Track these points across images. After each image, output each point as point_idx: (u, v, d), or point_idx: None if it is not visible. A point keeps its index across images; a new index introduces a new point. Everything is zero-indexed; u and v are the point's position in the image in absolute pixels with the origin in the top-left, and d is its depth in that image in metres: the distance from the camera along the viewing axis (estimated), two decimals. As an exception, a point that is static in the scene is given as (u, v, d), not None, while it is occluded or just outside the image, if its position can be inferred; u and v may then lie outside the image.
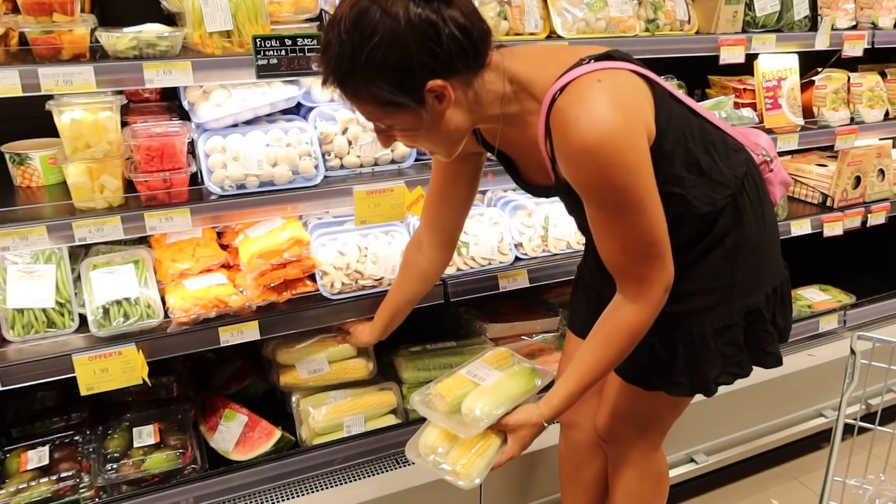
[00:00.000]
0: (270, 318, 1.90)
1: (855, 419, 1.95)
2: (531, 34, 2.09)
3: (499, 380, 1.49)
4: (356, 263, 2.00)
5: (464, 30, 1.17)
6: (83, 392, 1.71)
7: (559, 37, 2.10)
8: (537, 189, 1.54)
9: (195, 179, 1.88)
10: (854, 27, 2.56)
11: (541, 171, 1.44)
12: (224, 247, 2.12)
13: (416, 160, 2.10)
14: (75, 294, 1.83)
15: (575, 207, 1.44)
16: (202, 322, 1.85)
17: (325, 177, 1.98)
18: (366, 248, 2.03)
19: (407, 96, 1.19)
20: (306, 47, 1.77)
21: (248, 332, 1.88)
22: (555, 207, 2.24)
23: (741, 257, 1.50)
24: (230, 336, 1.86)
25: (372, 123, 1.32)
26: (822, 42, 2.43)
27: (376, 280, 2.01)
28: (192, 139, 1.90)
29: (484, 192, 2.38)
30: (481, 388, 1.47)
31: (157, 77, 1.69)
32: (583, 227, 1.53)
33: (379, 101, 1.20)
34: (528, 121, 1.33)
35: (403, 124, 1.25)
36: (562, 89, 1.24)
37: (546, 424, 1.42)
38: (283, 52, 1.76)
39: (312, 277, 2.00)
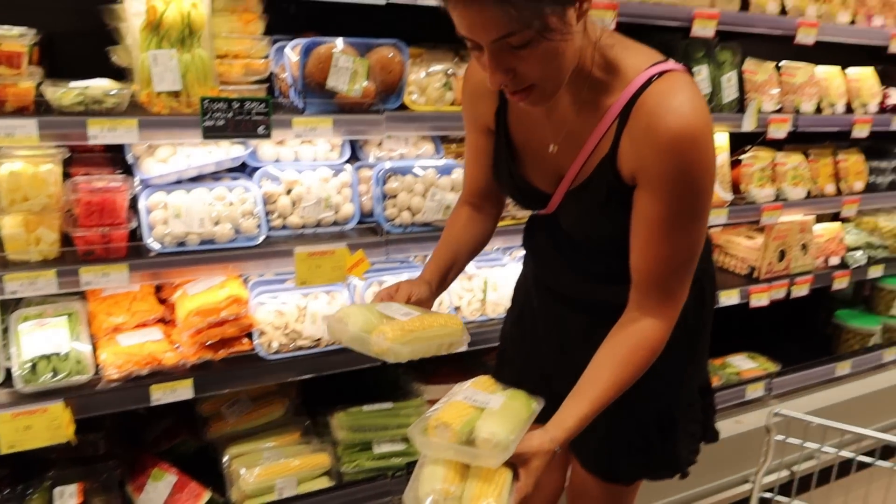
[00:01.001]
0: (205, 376, 1.88)
1: (772, 490, 2.02)
2: (475, 106, 2.17)
3: (504, 402, 1.27)
4: (295, 323, 2.01)
5: None
6: (4, 450, 1.66)
7: (502, 110, 2.18)
8: (528, 192, 1.43)
9: (135, 235, 1.88)
10: (779, 111, 2.74)
11: (549, 166, 1.36)
12: (162, 301, 2.10)
13: (359, 223, 2.14)
14: (3, 347, 1.79)
15: (589, 214, 1.34)
16: (134, 379, 1.82)
17: (268, 236, 1.99)
18: (305, 308, 2.04)
19: None
20: (253, 110, 1.81)
21: (181, 391, 1.86)
22: (494, 272, 2.30)
23: (704, 333, 1.53)
24: (162, 394, 1.83)
25: (491, 48, 1.11)
26: (749, 124, 2.59)
27: (314, 340, 2.02)
28: (135, 194, 1.91)
29: (425, 255, 2.42)
30: (490, 412, 1.23)
31: (101, 133, 1.70)
32: (592, 236, 1.39)
33: (536, 7, 1.05)
34: (602, 92, 1.24)
35: (553, 31, 1.09)
36: (659, 75, 1.19)
37: (557, 450, 1.22)
38: (230, 115, 1.79)
39: (250, 336, 1.99)
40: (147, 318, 2.00)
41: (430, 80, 2.12)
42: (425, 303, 1.44)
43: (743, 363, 2.98)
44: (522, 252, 2.45)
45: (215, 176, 2.04)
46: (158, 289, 2.13)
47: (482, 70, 1.16)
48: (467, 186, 1.60)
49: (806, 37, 2.59)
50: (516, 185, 1.43)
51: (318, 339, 2.03)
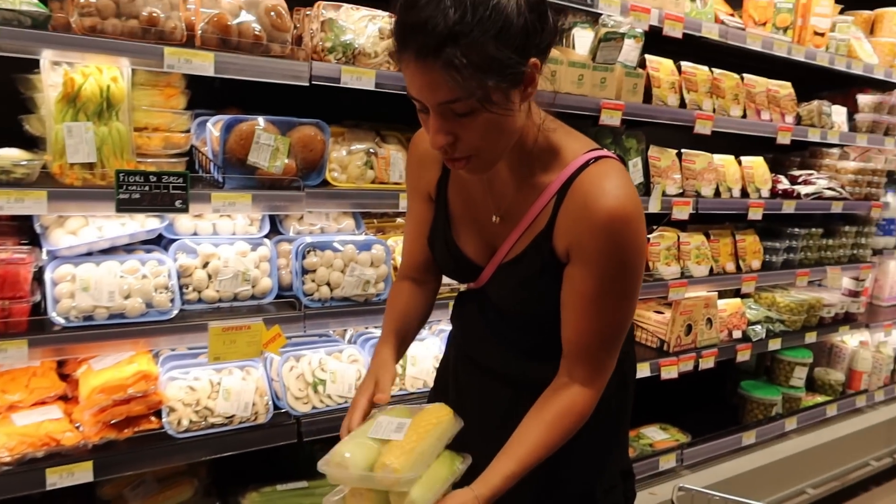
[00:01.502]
0: (107, 457, 1.79)
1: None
2: (395, 184, 2.23)
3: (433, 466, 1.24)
4: (207, 400, 1.95)
5: (554, 24, 1.20)
6: None
7: (422, 188, 2.25)
8: (461, 263, 1.45)
9: (40, 308, 1.80)
10: (681, 194, 2.93)
11: (485, 238, 1.40)
12: (65, 376, 2.01)
13: (277, 297, 2.13)
14: None
15: (521, 288, 1.36)
16: (28, 462, 1.71)
17: (182, 310, 1.95)
18: (218, 384, 1.99)
19: (518, 63, 1.12)
20: (171, 184, 1.80)
21: (80, 474, 1.76)
22: (413, 346, 2.31)
23: (626, 418, 1.56)
24: (58, 478, 1.73)
25: (437, 116, 1.16)
26: (654, 206, 2.75)
27: (227, 418, 1.96)
28: (41, 266, 1.84)
29: (345, 329, 2.42)
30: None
31: (7, 205, 1.65)
32: (522, 310, 1.40)
33: (483, 68, 1.09)
34: (542, 171, 1.30)
35: (495, 104, 1.13)
36: (596, 159, 1.27)
37: None
38: (147, 188, 1.78)
39: (159, 413, 1.92)
40: (46, 395, 1.91)
41: (351, 159, 2.17)
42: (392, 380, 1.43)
43: (656, 434, 3.07)
44: (441, 326, 2.50)
45: (128, 248, 2.00)
46: (61, 364, 2.03)
47: (427, 133, 1.21)
48: (407, 259, 1.61)
49: (703, 128, 2.81)
50: (450, 253, 1.46)
51: (231, 417, 1.98)
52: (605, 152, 1.30)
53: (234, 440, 1.97)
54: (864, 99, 3.73)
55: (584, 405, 1.30)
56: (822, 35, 3.29)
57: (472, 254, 1.43)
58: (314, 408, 2.10)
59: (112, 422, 1.84)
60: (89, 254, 1.92)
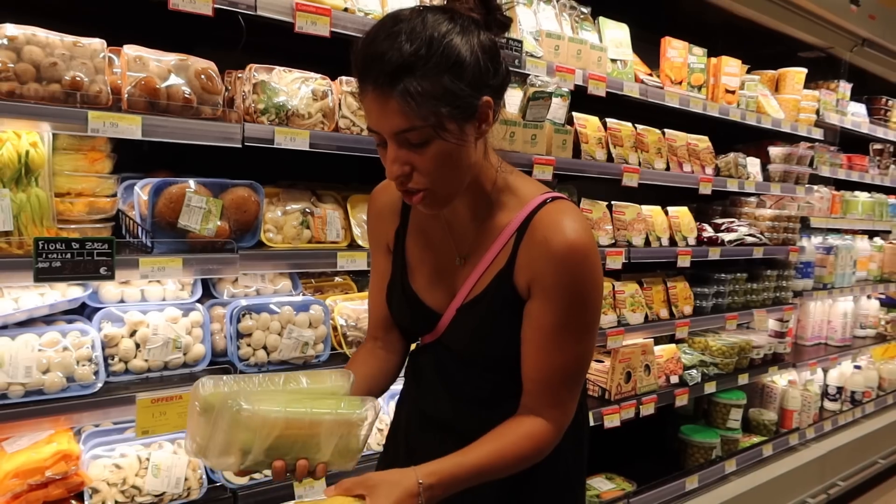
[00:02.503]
0: (21, 549, 1.65)
1: None
2: (332, 243, 2.21)
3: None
4: (134, 478, 1.84)
5: (507, 69, 1.28)
6: None
7: (360, 246, 2.24)
8: (419, 310, 1.44)
9: (-55, 388, 1.67)
10: (613, 245, 3.01)
11: (443, 283, 1.41)
12: (-26, 462, 1.85)
13: (210, 363, 2.04)
14: None
15: (482, 327, 1.36)
16: (-71, 561, 1.56)
17: (107, 382, 1.85)
18: (147, 460, 1.88)
19: (470, 96, 1.19)
20: (95, 251, 1.72)
21: (-10, 570, 1.61)
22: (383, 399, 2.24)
23: (583, 471, 1.56)
24: (-36, 576, 1.58)
25: (393, 146, 1.21)
26: (588, 256, 2.81)
27: (156, 496, 1.85)
28: (-51, 342, 1.72)
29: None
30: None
31: (-88, 278, 1.54)
32: (481, 352, 1.39)
33: (436, 97, 1.15)
34: (500, 211, 1.35)
35: (449, 133, 1.18)
36: (551, 199, 1.32)
37: (422, 499, 1.17)
38: (69, 255, 1.69)
39: (81, 496, 1.79)
40: (-47, 484, 1.75)
41: (287, 219, 2.14)
42: None
43: (602, 485, 3.06)
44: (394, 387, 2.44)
45: (48, 319, 1.89)
46: (-29, 448, 1.88)
47: (385, 166, 1.24)
48: (371, 316, 1.59)
49: (630, 180, 2.91)
50: (408, 301, 1.46)
51: (161, 495, 1.86)
52: (559, 194, 1.36)
53: (166, 520, 1.85)
54: (774, 151, 3.97)
55: (542, 437, 1.30)
56: (732, 93, 3.50)
57: (430, 301, 1.43)
58: (252, 479, 2.00)
59: (28, 509, 1.70)
60: (4, 327, 1.80)
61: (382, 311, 1.55)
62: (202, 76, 1.91)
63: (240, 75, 2.08)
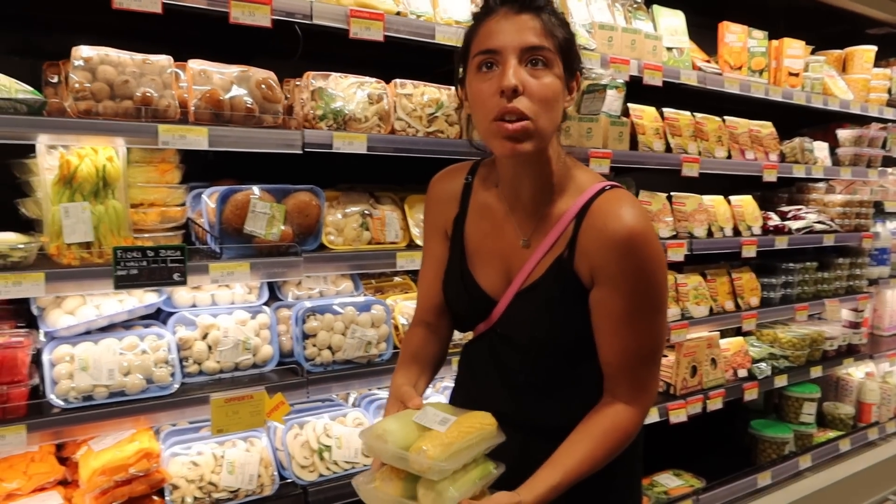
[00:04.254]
0: (109, 542, 1.74)
1: None
2: (392, 243, 2.24)
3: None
4: (210, 475, 1.91)
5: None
6: None
7: (418, 246, 2.27)
8: (476, 296, 1.46)
9: (38, 391, 1.78)
10: (675, 237, 2.95)
11: (502, 266, 1.43)
12: (64, 459, 1.96)
13: (279, 364, 2.11)
14: None
15: (540, 313, 1.38)
16: (27, 553, 1.66)
17: (182, 384, 1.93)
18: (222, 457, 1.95)
19: (577, 59, 1.36)
20: (168, 258, 1.81)
21: (82, 561, 1.71)
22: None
23: (640, 458, 1.56)
24: (59, 567, 1.67)
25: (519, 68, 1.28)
26: (648, 249, 2.76)
27: (231, 492, 1.92)
28: (39, 348, 1.83)
29: (349, 393, 2.39)
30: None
31: (5, 289, 1.64)
32: (539, 338, 1.40)
33: (565, 39, 1.31)
34: (560, 197, 1.39)
35: (559, 73, 1.30)
36: (609, 188, 1.37)
37: None
38: (145, 263, 1.78)
39: (161, 492, 1.87)
40: (46, 481, 1.86)
41: (347, 221, 2.19)
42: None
43: (670, 481, 3.00)
44: (445, 384, 2.47)
45: (127, 324, 1.99)
46: (60, 447, 1.99)
47: (489, 91, 1.28)
48: (423, 302, 1.60)
49: (690, 170, 2.85)
50: (465, 287, 1.47)
51: (236, 491, 1.93)
52: (616, 183, 1.41)
53: (241, 515, 1.92)
54: (843, 133, 3.81)
55: (629, 422, 1.34)
56: (796, 75, 3.38)
57: (487, 286, 1.45)
58: (321, 475, 2.05)
59: (114, 504, 1.80)
60: (87, 332, 1.91)
61: (436, 297, 1.57)
62: (262, 86, 1.97)
63: (298, 83, 2.14)
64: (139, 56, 1.86)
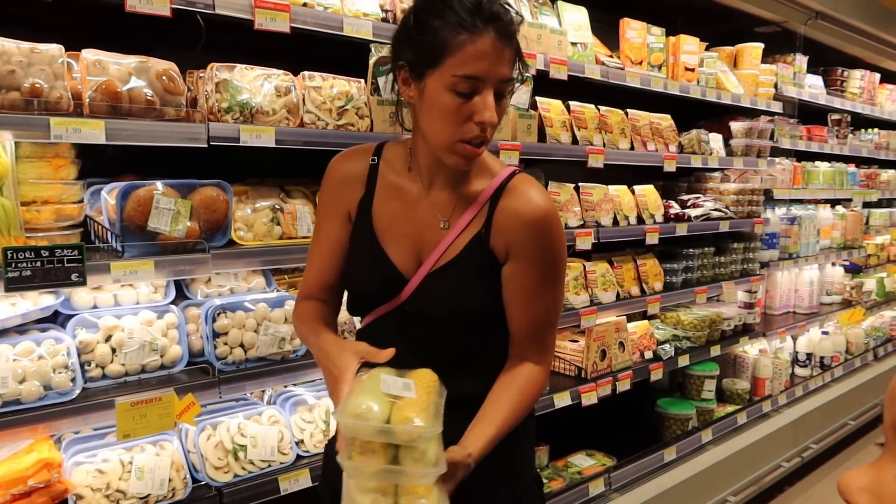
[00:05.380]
0: (7, 559, 1.65)
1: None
2: (304, 238, 2.22)
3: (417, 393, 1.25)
4: (118, 482, 1.84)
5: None
6: None
7: (331, 240, 2.25)
8: (387, 273, 1.48)
9: (-80, 403, 1.66)
10: (582, 226, 3.06)
11: (411, 247, 1.48)
12: (-46, 476, 1.84)
13: (188, 364, 2.05)
14: None
15: (460, 286, 1.44)
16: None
17: (85, 388, 1.85)
18: (130, 463, 1.88)
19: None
20: (65, 258, 1.72)
21: (-23, 581, 1.61)
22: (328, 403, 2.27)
23: (532, 423, 1.64)
24: (-48, 589, 1.58)
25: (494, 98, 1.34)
26: (558, 239, 2.85)
27: (141, 499, 1.85)
28: (-79, 357, 1.70)
29: (263, 390, 2.35)
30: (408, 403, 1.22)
31: None
32: (455, 311, 1.45)
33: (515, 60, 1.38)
34: (473, 181, 1.48)
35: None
36: (516, 172, 1.49)
37: (472, 466, 1.32)
38: (39, 264, 1.69)
39: (66, 503, 1.79)
40: (-66, 499, 1.74)
41: (257, 216, 2.15)
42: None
43: (583, 461, 3.12)
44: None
45: (21, 329, 1.88)
46: (-51, 462, 1.87)
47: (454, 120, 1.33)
48: (315, 279, 1.60)
49: (596, 161, 2.96)
50: (377, 266, 1.49)
51: (147, 497, 1.87)
52: (520, 168, 1.53)
53: (152, 522, 1.86)
54: (736, 126, 4.05)
55: (540, 378, 1.49)
56: (692, 70, 3.56)
57: (400, 265, 1.49)
58: (236, 476, 2.02)
59: (12, 519, 1.70)
60: (-23, 339, 1.79)
61: (330, 276, 1.59)
62: (163, 77, 1.90)
63: (201, 75, 2.08)
64: (26, 45, 1.76)
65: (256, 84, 2.09)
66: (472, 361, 1.49)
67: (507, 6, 1.35)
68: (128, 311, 2.01)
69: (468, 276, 1.45)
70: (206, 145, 1.92)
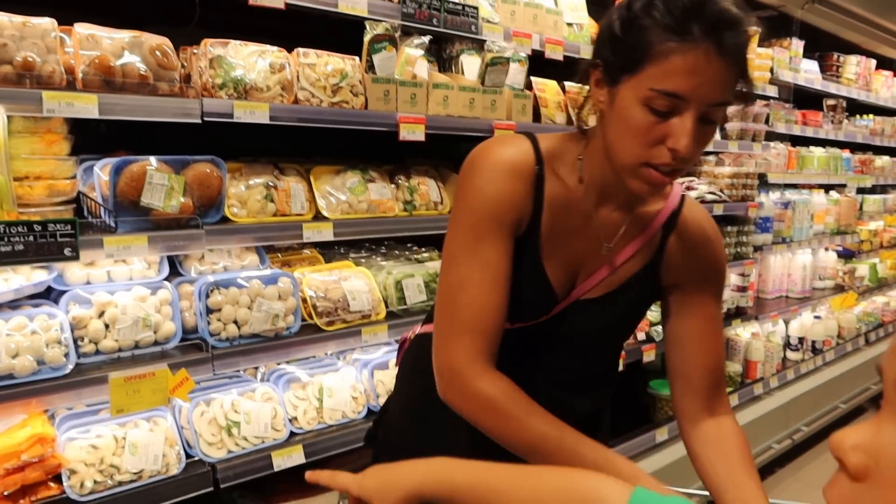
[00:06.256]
0: (1, 532, 1.66)
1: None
2: (297, 215, 2.22)
3: None
4: (111, 457, 1.85)
5: None
6: None
7: (325, 217, 2.25)
8: (543, 289, 1.27)
9: (-87, 377, 1.66)
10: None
11: (571, 265, 1.29)
12: (-52, 451, 1.85)
13: (182, 340, 2.05)
14: None
15: (623, 316, 1.35)
16: None
17: (78, 364, 1.85)
18: (123, 438, 1.89)
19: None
20: (58, 232, 1.72)
21: (-28, 553, 1.62)
22: (328, 378, 2.28)
23: None
24: (-54, 561, 1.59)
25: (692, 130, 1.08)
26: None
27: (135, 474, 1.86)
28: (-87, 331, 1.70)
29: (256, 368, 2.36)
30: None
31: None
32: (603, 338, 1.36)
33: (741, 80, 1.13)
34: (646, 202, 1.30)
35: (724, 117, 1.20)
36: (684, 193, 1.35)
37: None
38: (32, 238, 1.69)
39: (59, 478, 1.80)
40: (-72, 472, 1.75)
41: (250, 193, 2.15)
42: None
43: (575, 442, 3.14)
44: (356, 355, 2.47)
45: (13, 304, 1.88)
46: (-57, 437, 1.87)
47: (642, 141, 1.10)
48: (484, 325, 1.19)
49: (590, 142, 2.96)
50: (535, 286, 1.27)
51: (140, 472, 1.88)
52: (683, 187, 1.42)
53: (146, 496, 1.87)
54: (731, 109, 4.05)
55: (744, 435, 1.33)
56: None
57: (555, 285, 1.28)
58: (230, 452, 2.03)
59: (6, 493, 1.71)
60: (-30, 314, 1.79)
61: (500, 316, 1.21)
62: (157, 52, 1.89)
63: (195, 51, 2.07)
64: (18, 18, 1.75)
65: (251, 60, 2.08)
66: (595, 380, 1.40)
67: (739, 14, 1.05)
68: (121, 288, 2.01)
69: (631, 307, 1.33)
70: (199, 121, 1.91)
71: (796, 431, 4.35)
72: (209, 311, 2.04)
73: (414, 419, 1.47)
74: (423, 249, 2.73)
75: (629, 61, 1.08)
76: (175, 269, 2.21)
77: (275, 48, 2.15)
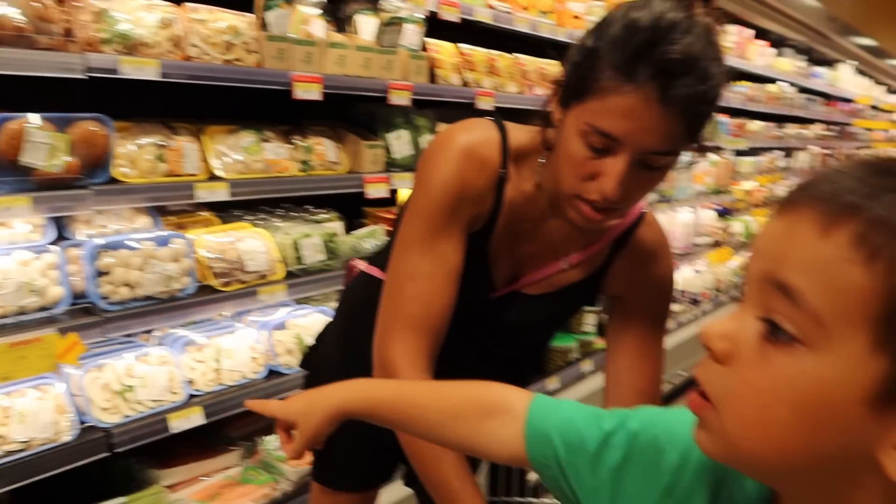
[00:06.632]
0: None
1: None
2: (191, 175, 2.18)
3: None
4: (-2, 426, 1.80)
5: None
6: None
7: (219, 178, 2.22)
8: (484, 292, 1.28)
9: None
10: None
11: (513, 263, 1.28)
12: None
13: (73, 305, 1.99)
14: None
15: (557, 317, 1.39)
16: None
17: (-44, 332, 1.77)
18: (9, 407, 1.83)
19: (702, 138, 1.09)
20: (-72, 194, 1.62)
21: None
22: (226, 339, 2.29)
23: None
24: None
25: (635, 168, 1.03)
26: (449, 180, 2.93)
27: (23, 442, 1.82)
28: None
29: (149, 332, 2.32)
30: None
31: None
32: (539, 332, 1.42)
33: (698, 130, 1.05)
34: None
35: (671, 163, 1.08)
36: (646, 210, 1.32)
37: None
38: None
39: (-60, 449, 1.73)
40: None
41: (140, 153, 2.09)
42: None
43: (472, 393, 3.29)
44: (253, 317, 2.47)
45: None
46: None
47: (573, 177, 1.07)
48: (426, 319, 1.16)
49: (485, 104, 3.04)
50: (477, 272, 1.25)
51: (28, 440, 1.83)
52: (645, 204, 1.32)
53: (36, 465, 1.83)
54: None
55: None
56: (578, 18, 3.68)
57: (496, 277, 1.29)
58: (126, 416, 2.01)
59: None
60: None
61: (447, 312, 1.18)
62: (35, 3, 1.79)
63: (77, 4, 1.96)
64: None
65: (137, 15, 2.00)
66: (520, 359, 1.47)
67: (697, 61, 0.95)
68: (1, 252, 1.92)
69: (557, 312, 1.36)
70: (83, 76, 1.83)
71: (677, 376, 4.71)
72: (99, 273, 1.99)
73: (346, 358, 1.48)
74: (321, 210, 2.74)
75: (577, 90, 1.04)
76: (62, 233, 2.12)
77: (163, 2, 2.08)
